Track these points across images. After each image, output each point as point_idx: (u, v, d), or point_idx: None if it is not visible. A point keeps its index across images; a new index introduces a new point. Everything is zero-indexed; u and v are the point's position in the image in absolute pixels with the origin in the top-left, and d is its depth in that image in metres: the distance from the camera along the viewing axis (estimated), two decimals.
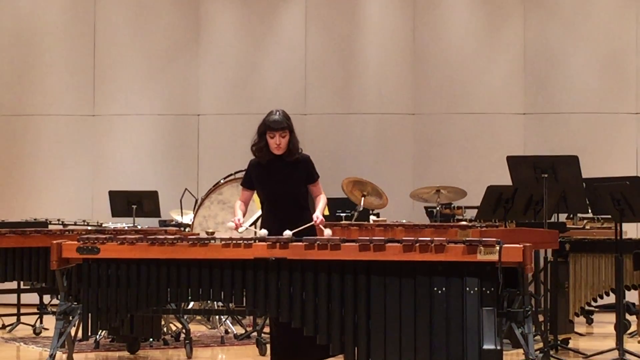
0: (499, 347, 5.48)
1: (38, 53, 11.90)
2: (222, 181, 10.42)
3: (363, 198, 9.53)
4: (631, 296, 8.96)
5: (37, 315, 9.49)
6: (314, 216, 6.59)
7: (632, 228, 9.92)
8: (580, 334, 9.25)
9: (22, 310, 9.65)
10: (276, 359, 6.65)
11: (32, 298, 9.66)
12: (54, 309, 7.51)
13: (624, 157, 11.45)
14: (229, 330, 9.01)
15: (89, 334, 6.15)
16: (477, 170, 11.45)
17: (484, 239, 5.60)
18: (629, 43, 11.60)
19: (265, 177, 6.66)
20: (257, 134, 6.64)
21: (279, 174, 6.63)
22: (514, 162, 7.88)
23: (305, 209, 6.67)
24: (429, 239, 5.61)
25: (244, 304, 5.92)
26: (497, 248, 5.50)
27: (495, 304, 5.51)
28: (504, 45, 11.76)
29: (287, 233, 6.08)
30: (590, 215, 9.45)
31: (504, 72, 11.76)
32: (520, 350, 6.46)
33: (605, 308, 9.56)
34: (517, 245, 5.55)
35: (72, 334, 7.03)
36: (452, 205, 10.66)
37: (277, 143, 6.57)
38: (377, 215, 10.31)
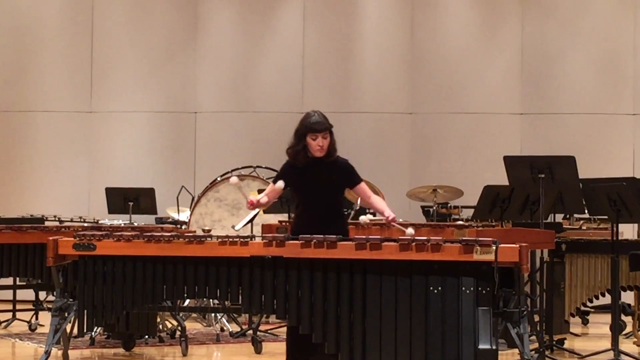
0: (494, 347, 5.48)
1: (35, 49, 11.88)
2: (218, 179, 10.43)
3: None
4: (627, 297, 8.96)
5: (33, 312, 9.48)
6: (386, 214, 6.36)
7: (628, 229, 9.89)
8: (576, 335, 9.25)
9: (18, 307, 9.64)
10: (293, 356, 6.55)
11: (27, 294, 9.64)
12: (50, 306, 7.50)
13: (621, 157, 11.44)
14: (225, 328, 9.00)
15: (85, 330, 6.16)
16: (474, 170, 11.45)
17: (480, 238, 5.61)
18: (626, 44, 11.60)
19: (302, 179, 6.40)
20: (295, 137, 6.40)
21: (316, 177, 6.38)
22: (510, 162, 7.88)
23: (340, 216, 6.47)
24: (425, 238, 5.61)
25: (240, 302, 5.92)
26: (494, 248, 5.50)
27: (491, 304, 5.52)
28: (502, 45, 11.76)
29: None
30: (586, 215, 9.46)
31: (501, 72, 11.76)
32: (516, 350, 6.47)
33: (601, 309, 9.55)
34: (514, 245, 5.55)
35: (68, 330, 7.03)
36: (449, 205, 10.65)
37: (319, 145, 6.33)
38: (374, 214, 10.30)
